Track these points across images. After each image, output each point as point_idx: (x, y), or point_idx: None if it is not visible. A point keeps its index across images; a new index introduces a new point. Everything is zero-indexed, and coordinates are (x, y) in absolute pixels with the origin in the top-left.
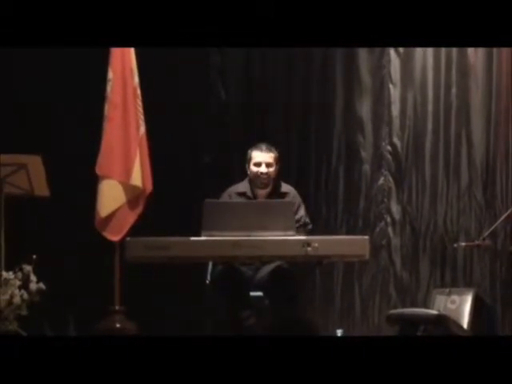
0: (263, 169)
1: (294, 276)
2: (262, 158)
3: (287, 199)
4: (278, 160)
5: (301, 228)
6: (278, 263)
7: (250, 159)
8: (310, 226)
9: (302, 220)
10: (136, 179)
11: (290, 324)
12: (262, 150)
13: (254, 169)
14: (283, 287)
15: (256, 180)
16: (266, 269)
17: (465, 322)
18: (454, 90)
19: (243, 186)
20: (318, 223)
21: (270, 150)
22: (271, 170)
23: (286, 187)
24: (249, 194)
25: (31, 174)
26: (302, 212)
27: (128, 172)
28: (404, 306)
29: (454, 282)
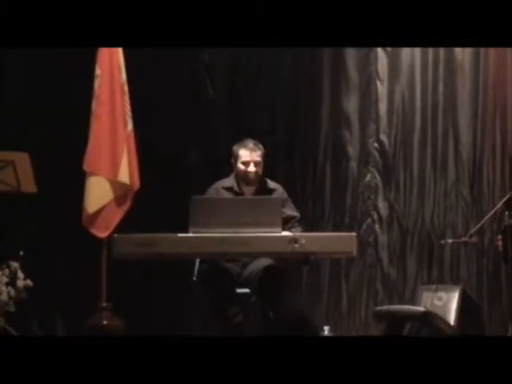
0: (251, 168)
1: (281, 273)
2: (249, 157)
3: (276, 194)
4: (264, 156)
5: (296, 224)
6: (265, 260)
7: (237, 157)
8: (298, 217)
9: (297, 218)
10: (123, 176)
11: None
12: (249, 149)
13: (241, 167)
14: (270, 284)
15: (244, 178)
16: (253, 265)
17: (451, 319)
18: (441, 87)
19: (230, 182)
20: (305, 220)
21: (257, 148)
22: (259, 168)
23: (272, 184)
24: (235, 189)
25: (18, 171)
26: (291, 206)
27: (115, 169)
28: (391, 303)
29: (441, 278)
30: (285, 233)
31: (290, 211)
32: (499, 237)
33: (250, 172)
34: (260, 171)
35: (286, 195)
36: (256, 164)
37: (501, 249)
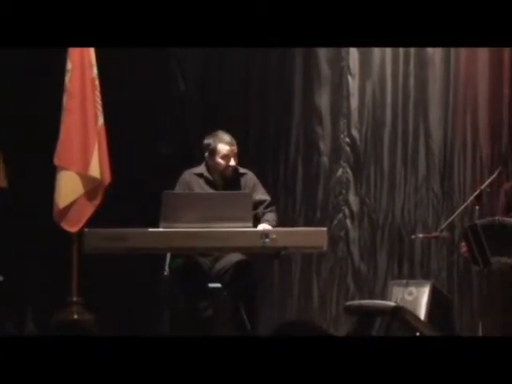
0: (232, 162)
1: (252, 267)
2: (229, 152)
3: (247, 178)
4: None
5: (268, 208)
6: (236, 254)
7: (215, 152)
8: (269, 200)
9: (267, 201)
10: (94, 170)
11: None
12: (228, 144)
13: (221, 162)
14: (242, 278)
15: (223, 172)
16: (225, 260)
17: (422, 314)
18: (412, 82)
19: (201, 169)
20: (277, 214)
21: (234, 142)
22: (235, 162)
23: (242, 169)
24: (207, 175)
25: None
26: (262, 191)
27: (86, 163)
28: (362, 298)
29: (412, 273)
30: (262, 226)
31: (261, 195)
32: (462, 243)
33: (230, 166)
34: (236, 164)
35: (256, 179)
36: (234, 160)
37: (466, 254)
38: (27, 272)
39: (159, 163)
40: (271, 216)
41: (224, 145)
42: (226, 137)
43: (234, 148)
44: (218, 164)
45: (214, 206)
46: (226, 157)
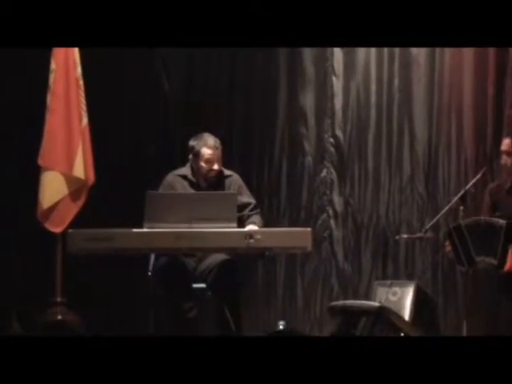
0: (216, 167)
1: (237, 267)
2: (213, 156)
3: (232, 179)
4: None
5: (253, 211)
6: (220, 255)
7: (199, 155)
8: (254, 203)
9: (253, 204)
10: (78, 171)
11: None
12: (212, 148)
13: (204, 166)
14: (226, 279)
15: (205, 175)
16: (209, 260)
17: (406, 314)
18: (396, 83)
19: (185, 170)
20: (262, 217)
21: (218, 145)
22: (220, 165)
23: (228, 171)
24: (190, 177)
25: None
26: (247, 193)
27: (70, 163)
28: (346, 298)
29: (396, 274)
30: (249, 227)
31: (246, 198)
32: (446, 243)
33: (213, 170)
34: (220, 167)
35: (241, 182)
36: (218, 163)
37: (450, 254)
38: (11, 272)
39: (143, 163)
40: (257, 218)
41: (207, 149)
42: (211, 140)
43: (218, 152)
44: (201, 167)
45: (198, 206)
46: (209, 161)
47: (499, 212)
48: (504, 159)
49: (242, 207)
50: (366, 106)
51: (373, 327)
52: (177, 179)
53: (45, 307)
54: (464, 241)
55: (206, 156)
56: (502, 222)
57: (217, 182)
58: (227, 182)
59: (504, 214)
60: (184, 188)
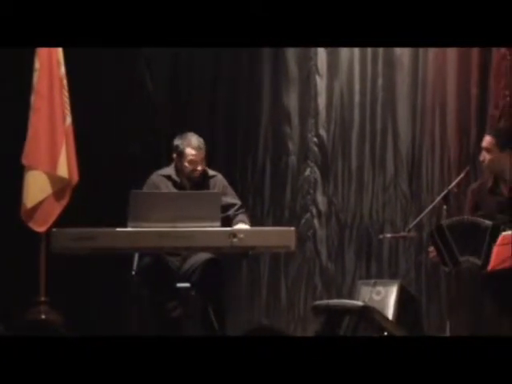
0: (199, 167)
1: (221, 267)
2: (196, 157)
3: (216, 180)
4: (206, 150)
5: (239, 211)
6: (204, 254)
7: (183, 155)
8: (239, 204)
9: (238, 205)
10: (62, 170)
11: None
12: (195, 149)
13: (188, 166)
14: (210, 278)
15: (189, 175)
16: (193, 259)
17: (390, 313)
18: (380, 82)
19: (169, 171)
20: (247, 217)
21: (202, 146)
22: (203, 165)
23: (212, 171)
24: (174, 178)
25: None
26: (232, 194)
27: (54, 163)
28: (329, 297)
29: (380, 273)
30: (239, 225)
31: (231, 198)
32: (430, 248)
33: (197, 171)
34: (204, 167)
35: (225, 182)
36: (201, 163)
37: (436, 258)
38: None
39: (127, 163)
40: (244, 217)
41: (191, 149)
42: (195, 141)
43: (202, 152)
44: (185, 167)
45: (182, 205)
46: (193, 161)
47: (481, 211)
48: (483, 155)
49: (227, 207)
50: (350, 105)
51: (356, 326)
52: (161, 179)
53: (28, 306)
54: (447, 241)
55: (190, 157)
56: (487, 222)
57: (201, 182)
58: (211, 182)
59: (486, 213)
60: (168, 188)
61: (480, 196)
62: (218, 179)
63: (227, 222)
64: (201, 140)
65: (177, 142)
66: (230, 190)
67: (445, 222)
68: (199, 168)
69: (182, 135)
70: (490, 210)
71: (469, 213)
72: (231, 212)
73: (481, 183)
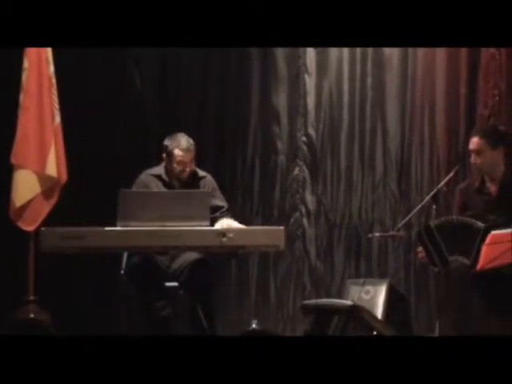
0: (188, 168)
1: (208, 266)
2: (185, 158)
3: (206, 181)
4: (196, 151)
5: (224, 213)
6: (193, 253)
7: (172, 156)
8: (226, 207)
9: (224, 208)
10: (51, 169)
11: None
12: (184, 150)
13: (176, 167)
14: (199, 277)
15: (177, 176)
16: (182, 259)
17: (379, 313)
18: (369, 81)
19: (158, 170)
20: (234, 214)
21: (191, 147)
22: (192, 166)
23: (201, 172)
24: (164, 177)
25: None
26: (220, 197)
27: (43, 162)
28: (318, 297)
29: (369, 272)
30: (225, 221)
31: (219, 201)
32: (419, 249)
33: (185, 171)
34: (193, 168)
35: (215, 184)
36: (190, 164)
37: (425, 259)
38: None
39: (116, 162)
40: (229, 219)
41: (179, 151)
42: (184, 142)
43: (191, 154)
44: (174, 168)
45: (171, 204)
46: (181, 162)
47: (470, 211)
48: (473, 158)
49: (214, 210)
50: (339, 104)
51: (345, 326)
52: (150, 179)
53: (17, 306)
54: (435, 241)
55: (178, 158)
56: (480, 224)
57: (191, 182)
58: (201, 183)
59: (474, 213)
60: (158, 187)
61: (468, 196)
62: (208, 180)
63: (212, 224)
64: (190, 141)
65: (166, 142)
66: (218, 192)
67: (433, 222)
68: (188, 169)
69: (171, 136)
70: (477, 209)
71: (457, 213)
72: (217, 214)
73: (468, 183)
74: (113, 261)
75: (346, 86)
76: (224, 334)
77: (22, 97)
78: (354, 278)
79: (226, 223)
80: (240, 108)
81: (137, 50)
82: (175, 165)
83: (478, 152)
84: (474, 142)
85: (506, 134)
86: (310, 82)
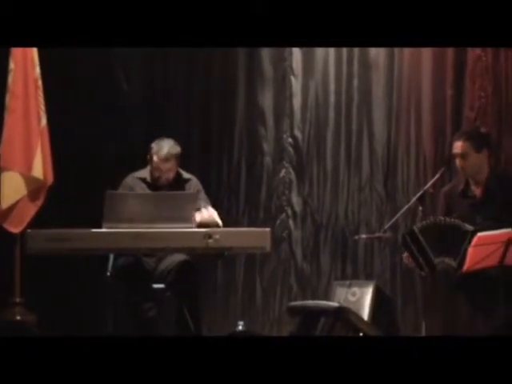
0: (165, 176)
1: (194, 268)
2: (161, 167)
3: (191, 184)
4: (179, 156)
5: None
6: (179, 255)
7: (151, 161)
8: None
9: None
10: (37, 171)
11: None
12: (162, 159)
13: (154, 172)
14: (185, 279)
15: (157, 180)
16: (168, 260)
17: (365, 314)
18: (355, 83)
19: (144, 173)
20: (220, 215)
21: (170, 156)
22: (171, 173)
23: (186, 174)
24: (149, 180)
25: None
26: (205, 199)
27: (29, 164)
28: (305, 298)
29: (355, 274)
30: (204, 210)
31: (203, 203)
32: (404, 254)
33: (161, 178)
34: (174, 173)
35: (200, 186)
36: (168, 173)
37: (411, 264)
38: None
39: (102, 164)
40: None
41: (157, 158)
42: (164, 150)
43: (169, 164)
44: (155, 173)
45: (156, 206)
46: (158, 169)
47: (454, 214)
48: (459, 162)
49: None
50: (325, 105)
51: (332, 327)
52: (136, 181)
53: (3, 307)
54: (420, 245)
55: (155, 165)
56: (468, 226)
57: (175, 185)
58: (186, 186)
59: (459, 215)
60: (143, 190)
61: (452, 199)
62: (193, 183)
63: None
64: (173, 150)
65: (152, 145)
66: (203, 194)
67: (416, 226)
68: (164, 177)
69: (159, 140)
70: (462, 212)
71: (442, 215)
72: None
73: (452, 186)
74: (99, 262)
75: (332, 87)
76: (210, 335)
77: (7, 98)
78: (340, 280)
79: (206, 214)
80: (226, 109)
81: (123, 51)
82: (155, 172)
83: (462, 156)
84: (458, 145)
85: (488, 136)
86: (296, 83)
